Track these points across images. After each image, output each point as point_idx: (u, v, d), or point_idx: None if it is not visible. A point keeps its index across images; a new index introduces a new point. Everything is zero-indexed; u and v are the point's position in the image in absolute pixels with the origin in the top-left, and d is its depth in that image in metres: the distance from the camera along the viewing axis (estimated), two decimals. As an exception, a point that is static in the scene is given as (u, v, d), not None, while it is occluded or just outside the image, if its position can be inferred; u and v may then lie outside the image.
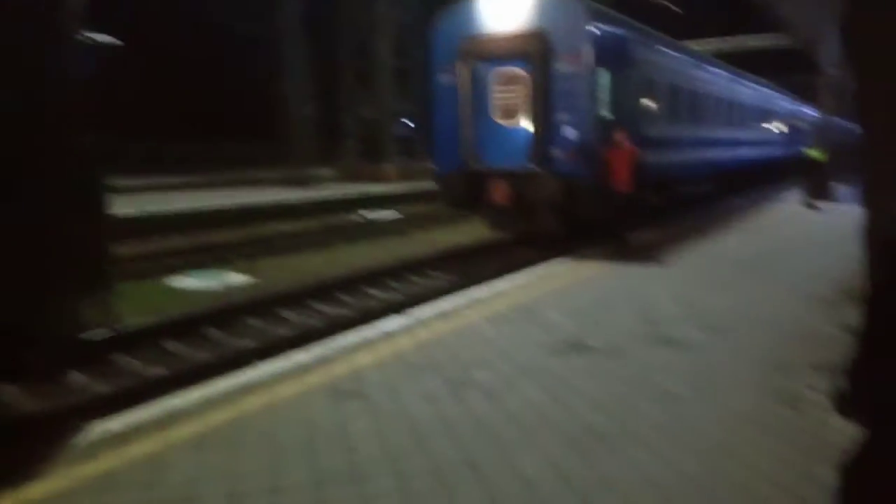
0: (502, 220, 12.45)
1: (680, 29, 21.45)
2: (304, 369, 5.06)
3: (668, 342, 5.65)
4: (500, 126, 11.83)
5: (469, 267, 11.40)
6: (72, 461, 3.67)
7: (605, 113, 11.44)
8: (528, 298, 7.26)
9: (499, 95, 11.79)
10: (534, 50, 11.08)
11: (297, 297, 8.68)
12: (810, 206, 16.84)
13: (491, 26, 11.64)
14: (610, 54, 11.61)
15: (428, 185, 20.98)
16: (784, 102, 29.62)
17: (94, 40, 3.73)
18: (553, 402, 4.34)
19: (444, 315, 6.56)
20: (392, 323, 6.37)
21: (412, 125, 33.96)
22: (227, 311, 7.90)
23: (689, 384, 4.67)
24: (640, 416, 4.13)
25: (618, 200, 10.30)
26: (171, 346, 6.90)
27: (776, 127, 27.52)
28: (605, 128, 10.99)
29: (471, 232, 15.34)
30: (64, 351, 4.88)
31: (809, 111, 36.60)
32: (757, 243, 11.17)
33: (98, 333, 5.88)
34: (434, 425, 4.00)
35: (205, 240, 14.35)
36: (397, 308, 8.11)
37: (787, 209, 16.82)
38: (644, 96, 13.34)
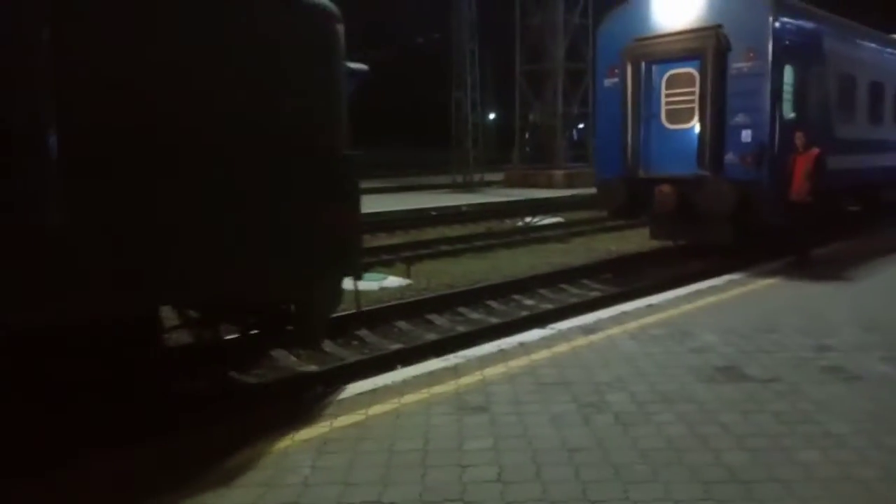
0: (668, 230, 11.72)
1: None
2: (433, 377, 5.01)
3: (839, 374, 4.93)
4: (668, 130, 11.16)
5: (625, 278, 10.86)
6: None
7: (790, 114, 10.37)
8: (683, 315, 6.71)
9: (668, 98, 11.11)
10: (708, 47, 10.30)
11: (445, 302, 8.73)
12: None
13: (660, 24, 11.00)
14: (796, 49, 10.51)
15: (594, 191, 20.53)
16: None
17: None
18: (691, 437, 3.91)
19: (586, 329, 6.22)
20: (531, 334, 6.16)
21: (583, 129, 33.33)
22: (378, 312, 8.09)
23: (859, 427, 4.00)
24: (791, 461, 3.59)
25: (798, 209, 9.26)
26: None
27: None
28: (788, 130, 9.95)
29: (634, 241, 14.66)
30: (325, 325, 5.54)
31: None
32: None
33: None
34: (555, 452, 3.74)
35: (370, 243, 14.96)
36: (542, 318, 7.88)
37: None
38: (838, 95, 11.94)
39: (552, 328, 6.33)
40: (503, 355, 5.50)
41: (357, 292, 5.29)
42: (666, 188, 10.84)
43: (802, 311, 6.84)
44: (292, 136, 4.50)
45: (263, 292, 4.75)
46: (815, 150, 9.26)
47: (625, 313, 6.80)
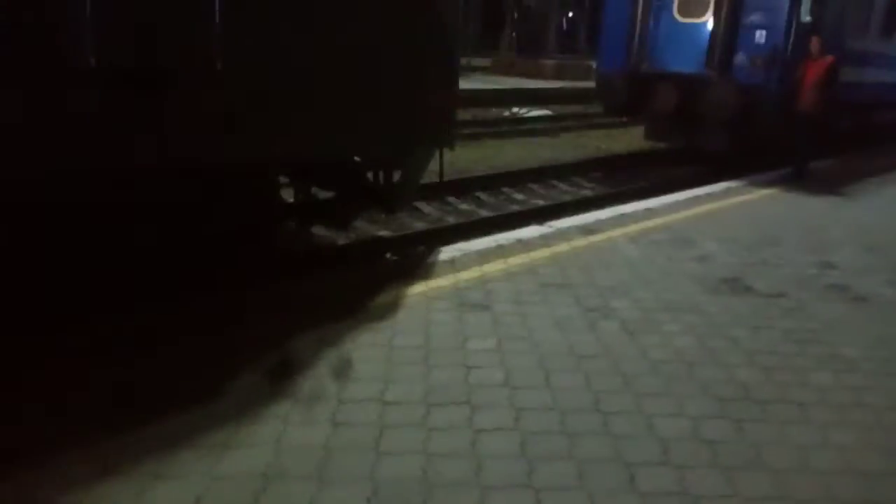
0: (665, 131, 11.37)
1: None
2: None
3: (846, 293, 4.82)
4: (678, 22, 10.55)
5: (619, 179, 10.58)
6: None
7: (806, 17, 9.83)
8: (683, 221, 6.51)
9: (683, -13, 10.43)
10: (732, -64, 9.57)
11: (433, 190, 8.40)
12: None
13: None
14: (822, -52, 9.84)
15: (585, 84, 19.83)
16: None
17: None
18: (702, 350, 3.78)
19: (585, 229, 6.00)
20: (529, 231, 5.92)
21: (575, 18, 31.99)
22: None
23: (868, 352, 3.90)
24: (803, 383, 3.48)
25: (802, 120, 8.94)
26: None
27: None
28: (803, 34, 9.46)
29: (623, 140, 14.32)
30: (416, 189, 5.92)
31: None
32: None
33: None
34: (563, 358, 3.58)
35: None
36: (538, 214, 7.65)
37: None
38: (859, 2, 11.37)
39: (550, 226, 6.10)
40: (501, 251, 5.27)
41: (441, 164, 5.55)
42: (668, 86, 10.40)
43: (803, 225, 6.69)
44: (415, 12, 4.71)
45: (376, 154, 5.16)
46: (830, 58, 8.83)
47: (624, 215, 6.57)
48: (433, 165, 5.49)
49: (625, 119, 13.64)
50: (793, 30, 9.58)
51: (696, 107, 10.05)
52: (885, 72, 13.27)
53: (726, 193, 7.91)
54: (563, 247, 5.47)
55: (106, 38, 3.16)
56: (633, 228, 6.13)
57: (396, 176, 5.40)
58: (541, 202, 8.78)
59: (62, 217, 3.72)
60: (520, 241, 5.56)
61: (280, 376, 3.26)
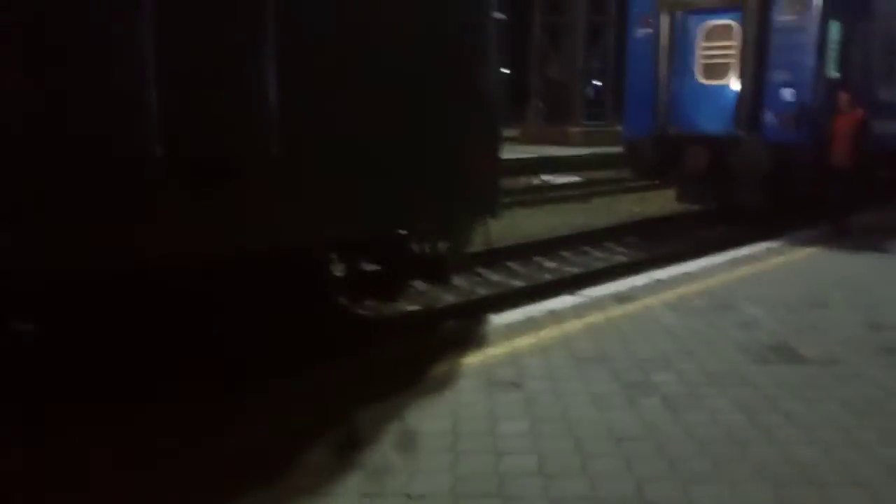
0: (697, 192, 11.20)
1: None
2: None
3: (907, 359, 4.50)
4: (702, 85, 10.55)
5: (653, 242, 10.36)
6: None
7: (833, 72, 9.73)
8: (722, 285, 6.26)
9: (705, 51, 10.47)
10: (751, -3, 9.61)
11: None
12: None
13: (700, -30, 10.30)
14: (845, 3, 9.82)
15: (614, 149, 19.85)
16: None
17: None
18: (752, 426, 3.49)
19: (620, 297, 5.78)
20: (561, 301, 5.73)
21: (602, 86, 32.37)
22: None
23: (942, 422, 3.59)
24: (869, 460, 3.18)
25: (838, 174, 8.70)
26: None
27: None
28: (832, 90, 9.34)
29: (657, 203, 14.14)
30: (463, 258, 6.06)
31: None
32: None
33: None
34: (601, 440, 3.34)
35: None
36: (570, 283, 7.45)
37: None
38: (882, 55, 11.25)
39: (582, 295, 5.90)
40: (532, 324, 5.08)
41: (487, 233, 5.73)
42: (697, 148, 10.30)
43: (849, 284, 6.37)
44: (460, 84, 4.90)
45: (425, 226, 5.28)
46: (860, 112, 8.66)
47: (660, 281, 6.35)
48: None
49: (656, 182, 13.49)
50: (820, 85, 9.47)
51: (728, 167, 9.90)
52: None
53: (766, 254, 7.64)
54: (597, 317, 5.25)
55: (172, 128, 3.27)
56: (670, 295, 5.90)
57: (442, 246, 5.50)
58: (575, 269, 8.59)
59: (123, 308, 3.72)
60: (552, 312, 5.36)
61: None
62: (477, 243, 6.13)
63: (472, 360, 4.38)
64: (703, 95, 10.48)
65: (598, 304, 5.61)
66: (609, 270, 8.19)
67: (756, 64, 9.75)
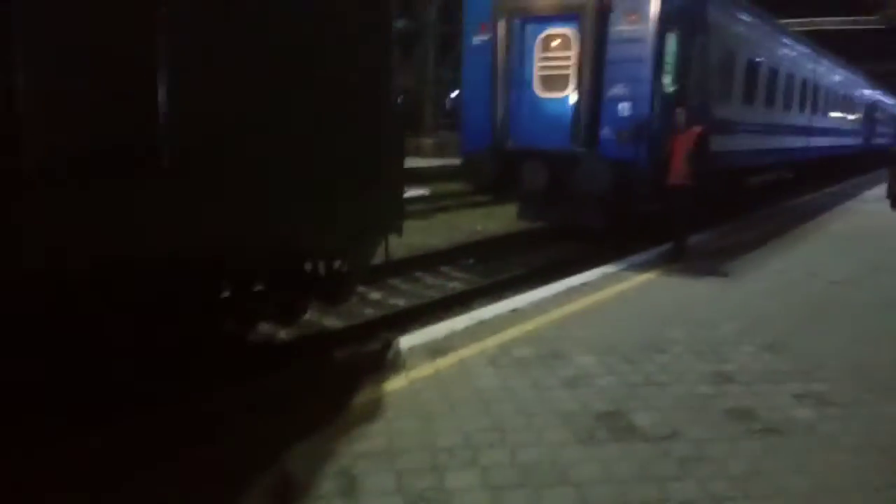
0: (537, 210, 10.57)
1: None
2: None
3: (751, 423, 3.75)
4: (540, 98, 9.90)
5: (489, 265, 9.57)
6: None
7: (671, 87, 9.39)
8: (554, 326, 5.42)
9: (542, 62, 9.83)
10: (587, 5, 9.07)
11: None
12: (897, 206, 14.51)
13: (536, -25, 9.66)
14: (682, 15, 9.52)
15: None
16: (865, 89, 26.64)
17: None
18: (568, 563, 2.53)
19: (432, 349, 4.74)
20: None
21: (457, 98, 32.05)
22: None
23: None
24: None
25: (677, 193, 8.28)
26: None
27: (855, 116, 24.72)
28: (669, 105, 8.95)
29: (503, 219, 13.50)
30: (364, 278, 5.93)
31: (891, 101, 33.46)
32: (851, 254, 9.03)
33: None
34: None
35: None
36: (390, 323, 6.43)
37: (870, 209, 14.48)
38: (719, 70, 11.19)
39: (392, 346, 4.83)
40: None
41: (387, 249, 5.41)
42: (536, 164, 9.64)
43: (689, 319, 5.75)
44: (364, 96, 4.70)
45: (325, 247, 4.90)
46: (697, 129, 8.28)
47: (483, 323, 5.40)
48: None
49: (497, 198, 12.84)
50: (657, 100, 9.07)
51: (567, 185, 9.30)
52: (751, 138, 13.25)
53: (603, 281, 6.95)
54: (397, 383, 4.17)
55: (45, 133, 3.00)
56: (491, 342, 4.94)
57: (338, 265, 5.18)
58: (400, 302, 7.55)
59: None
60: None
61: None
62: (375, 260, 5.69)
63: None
64: (541, 109, 9.84)
65: (406, 358, 4.55)
66: (433, 305, 7.21)
67: (593, 77, 9.21)
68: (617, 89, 9.19)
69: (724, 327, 5.54)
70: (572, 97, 9.44)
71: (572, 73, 9.42)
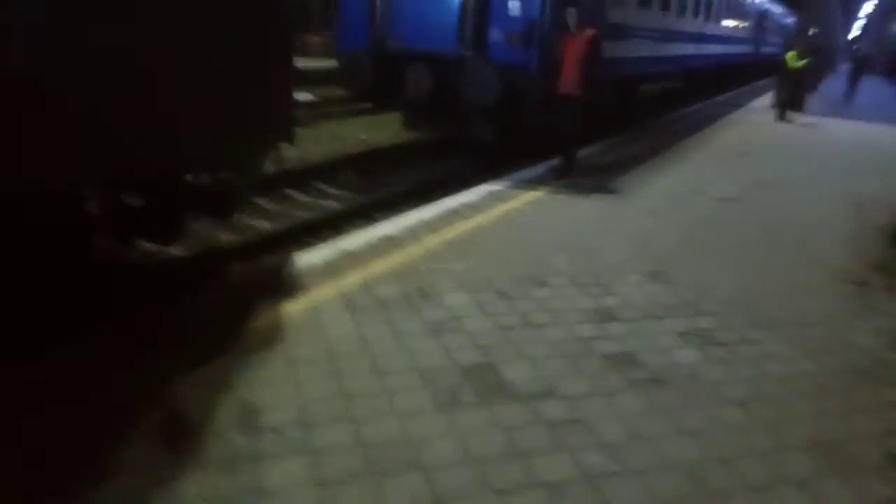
0: (422, 119, 9.80)
1: None
2: None
3: (632, 372, 3.36)
4: (426, -7, 8.93)
5: (368, 180, 8.83)
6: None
7: (564, -16, 8.64)
8: (427, 255, 4.84)
9: (427, -50, 8.81)
10: None
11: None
12: (783, 117, 14.73)
13: None
14: None
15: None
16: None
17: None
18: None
19: (286, 289, 4.08)
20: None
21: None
22: None
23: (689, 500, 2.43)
24: None
25: (567, 103, 7.74)
26: None
27: (746, 24, 24.89)
28: (561, 5, 8.24)
29: (392, 127, 12.60)
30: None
31: (780, 10, 34.12)
32: (737, 169, 8.90)
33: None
34: None
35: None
36: (250, 250, 5.67)
37: (757, 119, 14.64)
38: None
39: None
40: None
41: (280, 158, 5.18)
42: (419, 67, 8.80)
43: (574, 244, 5.32)
44: None
45: (210, 160, 4.39)
46: (591, 32, 7.65)
47: (349, 254, 4.75)
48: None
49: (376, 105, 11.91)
50: (549, 0, 8.34)
51: (455, 92, 8.55)
52: (648, 45, 12.82)
53: (487, 201, 6.40)
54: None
55: None
56: (354, 278, 4.31)
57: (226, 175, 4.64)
58: (265, 225, 6.74)
59: None
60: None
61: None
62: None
63: None
64: (427, 4, 8.90)
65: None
66: (301, 228, 6.47)
67: (481, -33, 8.34)
68: (506, -17, 8.38)
69: (609, 254, 5.14)
70: (459, -9, 8.55)
71: (460, -36, 8.49)
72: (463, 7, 8.42)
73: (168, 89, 3.65)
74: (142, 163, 3.72)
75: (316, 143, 10.96)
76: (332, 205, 7.72)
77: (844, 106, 19.93)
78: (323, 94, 16.94)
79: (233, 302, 3.87)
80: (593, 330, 3.82)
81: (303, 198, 7.94)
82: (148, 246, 5.09)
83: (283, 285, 4.13)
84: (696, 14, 16.61)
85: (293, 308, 3.82)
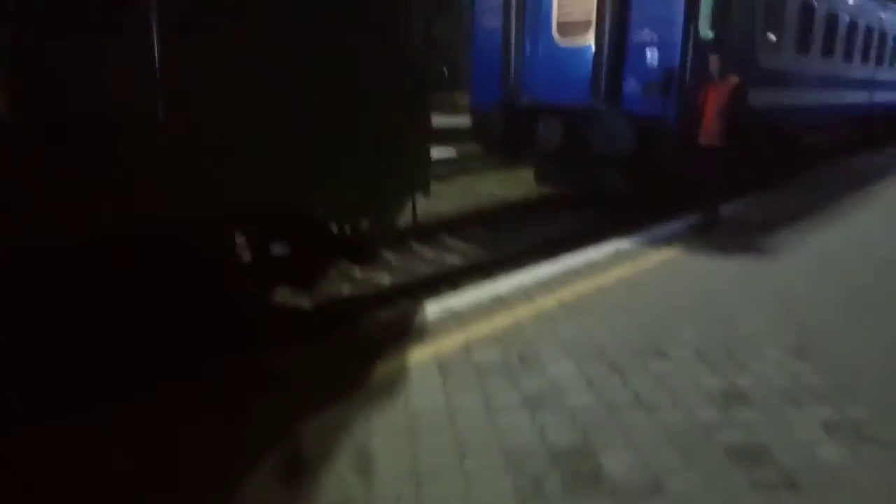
0: (553, 173, 9.54)
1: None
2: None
3: (761, 469, 2.82)
4: (559, 47, 8.80)
5: (495, 236, 8.64)
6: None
7: (707, 32, 8.16)
8: (537, 317, 4.50)
9: (561, 4, 8.70)
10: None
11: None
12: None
13: None
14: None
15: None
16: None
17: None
18: None
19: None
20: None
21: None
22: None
23: None
24: None
25: (709, 154, 7.16)
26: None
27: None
28: (703, 53, 7.75)
29: (527, 182, 12.46)
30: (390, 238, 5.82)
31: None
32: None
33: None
34: None
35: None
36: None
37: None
38: (763, 13, 9.80)
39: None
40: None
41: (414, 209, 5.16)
42: (551, 121, 8.59)
43: (707, 312, 4.76)
44: (384, 47, 4.43)
45: (346, 205, 4.61)
46: (734, 80, 7.08)
47: (454, 314, 4.52)
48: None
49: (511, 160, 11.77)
50: (690, 48, 7.87)
51: (586, 144, 8.25)
52: (804, 92, 11.81)
53: (611, 261, 5.96)
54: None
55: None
56: (453, 341, 4.07)
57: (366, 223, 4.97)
58: (385, 280, 6.71)
59: None
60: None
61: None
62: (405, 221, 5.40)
63: None
64: (560, 58, 8.75)
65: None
66: (419, 285, 6.37)
67: (617, 21, 8.06)
68: (644, 34, 8.03)
69: (748, 323, 4.54)
70: (592, 44, 8.31)
71: (593, 15, 8.27)
72: (597, 59, 8.15)
73: (316, 139, 4.01)
74: (291, 209, 4.16)
75: (450, 198, 10.98)
76: (455, 260, 7.58)
77: None
78: (464, 151, 17.17)
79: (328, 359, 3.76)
80: (717, 415, 3.30)
81: (427, 252, 7.88)
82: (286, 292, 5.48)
83: (376, 347, 3.97)
84: (864, 59, 15.17)
85: (381, 371, 3.64)
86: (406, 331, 4.21)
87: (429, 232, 8.34)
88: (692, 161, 7.54)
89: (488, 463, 2.82)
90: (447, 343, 4.03)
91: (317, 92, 4.01)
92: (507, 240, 8.44)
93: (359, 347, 3.97)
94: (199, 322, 4.09)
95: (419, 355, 3.86)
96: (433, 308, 4.64)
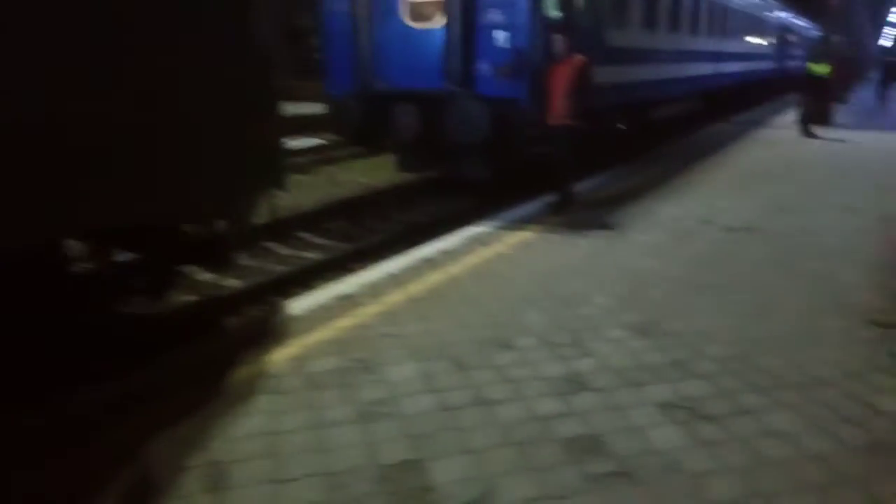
0: (414, 161, 9.36)
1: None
2: None
3: (600, 463, 2.74)
4: (411, 30, 8.55)
5: (355, 228, 8.38)
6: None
7: (553, 11, 8.19)
8: (383, 315, 4.28)
9: (409, -16, 8.46)
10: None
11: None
12: (808, 132, 13.92)
13: None
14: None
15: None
16: (774, 11, 26.00)
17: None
18: None
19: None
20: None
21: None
22: None
23: None
24: None
25: (558, 134, 7.20)
26: None
27: (765, 40, 24.10)
28: (551, 32, 7.75)
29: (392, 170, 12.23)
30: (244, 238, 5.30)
31: (803, 23, 33.24)
32: (754, 192, 8.20)
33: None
34: None
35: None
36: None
37: (779, 137, 13.84)
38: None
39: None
40: None
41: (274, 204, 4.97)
42: (406, 107, 8.38)
43: (556, 292, 4.72)
44: (223, 41, 4.04)
45: (196, 211, 4.21)
46: (579, 59, 7.13)
47: (295, 319, 4.22)
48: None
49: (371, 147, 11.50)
50: (537, 27, 7.86)
51: (441, 129, 8.09)
52: (656, 67, 12.25)
53: (466, 248, 5.84)
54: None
55: None
56: (285, 352, 3.78)
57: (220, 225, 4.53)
58: (236, 283, 6.28)
59: None
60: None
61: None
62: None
63: None
64: (412, 42, 8.50)
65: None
66: (268, 288, 6.00)
67: (466, 2, 7.91)
68: (492, 15, 7.93)
69: (593, 303, 4.52)
70: (443, 26, 8.13)
71: (442, -3, 8.09)
72: (449, 41, 7.98)
73: (161, 139, 3.63)
74: (132, 214, 3.67)
75: (312, 189, 10.57)
76: (313, 256, 7.24)
77: (874, 117, 18.97)
78: (333, 139, 16.69)
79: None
80: (556, 406, 3.20)
81: (284, 250, 7.49)
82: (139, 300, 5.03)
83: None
84: (710, 33, 15.99)
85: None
86: (245, 343, 3.87)
87: (287, 228, 7.95)
88: (549, 139, 7.56)
89: (308, 490, 2.57)
90: (279, 355, 3.73)
91: (137, 84, 3.51)
92: (369, 231, 8.19)
93: (192, 365, 3.60)
94: (39, 344, 3.72)
95: (250, 370, 3.54)
96: (275, 314, 4.32)
